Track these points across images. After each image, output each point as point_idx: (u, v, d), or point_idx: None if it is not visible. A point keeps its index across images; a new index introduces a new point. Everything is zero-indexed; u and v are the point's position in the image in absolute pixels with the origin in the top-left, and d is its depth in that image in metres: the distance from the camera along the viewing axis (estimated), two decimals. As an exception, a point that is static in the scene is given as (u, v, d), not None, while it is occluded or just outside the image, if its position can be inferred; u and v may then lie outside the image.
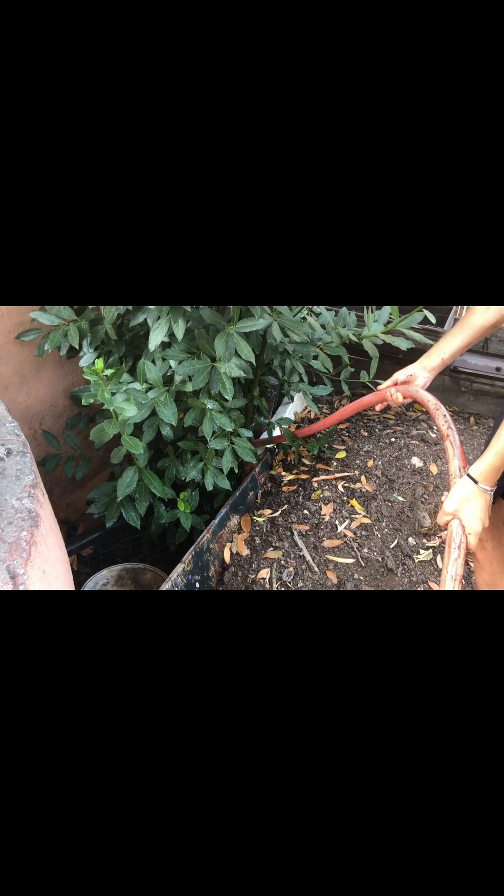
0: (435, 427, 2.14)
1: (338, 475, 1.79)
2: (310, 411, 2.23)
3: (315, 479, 1.76)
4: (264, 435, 1.84)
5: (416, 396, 1.04)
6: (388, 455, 1.93)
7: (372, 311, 1.40)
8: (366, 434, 2.08)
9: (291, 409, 2.13)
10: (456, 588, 0.73)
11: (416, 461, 1.89)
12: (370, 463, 1.87)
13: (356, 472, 1.81)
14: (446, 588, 0.73)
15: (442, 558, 1.53)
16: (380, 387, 1.18)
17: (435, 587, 1.43)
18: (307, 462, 1.87)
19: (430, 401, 0.98)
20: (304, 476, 1.79)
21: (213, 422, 1.30)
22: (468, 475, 0.78)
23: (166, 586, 1.20)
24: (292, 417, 2.13)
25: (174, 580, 1.23)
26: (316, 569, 1.44)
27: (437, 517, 0.82)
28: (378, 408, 1.20)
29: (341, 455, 1.91)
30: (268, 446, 1.84)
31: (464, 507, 0.77)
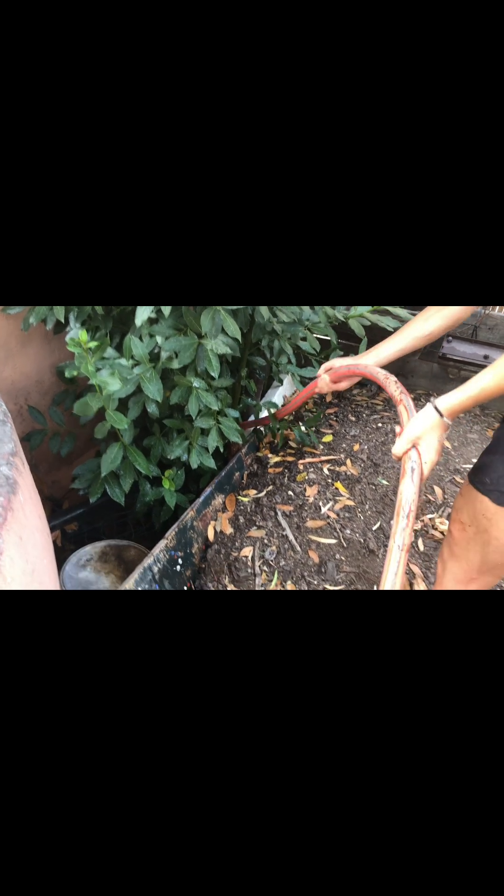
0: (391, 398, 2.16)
1: (324, 458, 1.80)
2: (296, 393, 2.24)
3: (301, 461, 1.77)
4: (251, 418, 1.84)
5: (364, 371, 1.05)
6: (374, 440, 1.94)
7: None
8: (353, 419, 2.09)
9: (280, 393, 2.13)
10: (407, 532, 0.76)
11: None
12: (356, 447, 1.88)
13: (342, 456, 1.82)
14: (398, 526, 0.76)
15: (423, 542, 1.56)
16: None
17: (415, 569, 1.45)
18: (293, 445, 1.88)
19: (379, 372, 1.00)
20: (290, 458, 1.80)
21: (199, 400, 1.30)
22: (434, 406, 0.77)
23: (148, 561, 1.21)
24: (280, 400, 2.13)
25: (156, 555, 1.24)
26: (298, 548, 1.45)
27: (396, 447, 0.81)
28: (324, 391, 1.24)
29: (328, 439, 1.92)
30: (256, 428, 1.84)
31: (425, 436, 0.77)
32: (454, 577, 0.95)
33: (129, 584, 1.14)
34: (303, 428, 1.87)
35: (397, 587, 0.75)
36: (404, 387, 0.91)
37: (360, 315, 1.39)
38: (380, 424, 2.04)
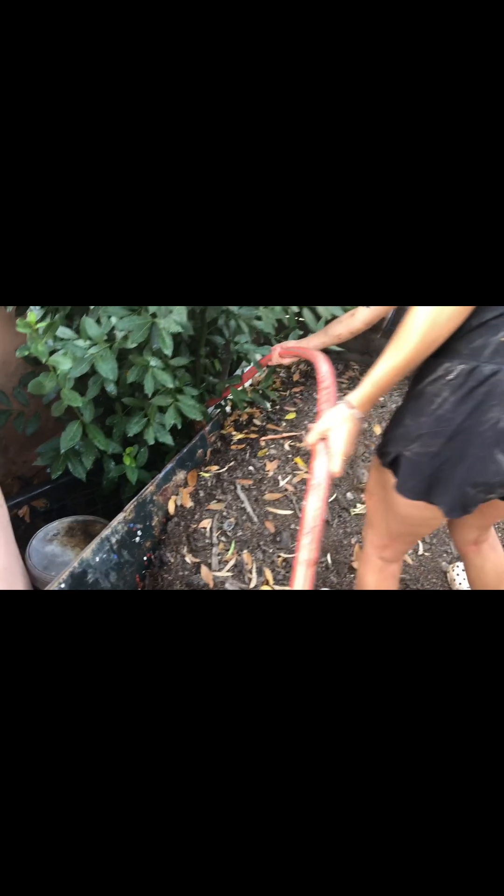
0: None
1: (286, 434, 1.87)
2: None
3: (263, 437, 1.83)
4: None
5: (305, 353, 1.19)
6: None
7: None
8: (318, 397, 2.15)
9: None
10: (310, 547, 0.78)
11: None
12: (318, 423, 1.94)
13: (303, 433, 1.89)
14: (302, 541, 0.78)
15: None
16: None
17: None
18: (258, 423, 1.94)
19: (318, 355, 1.10)
20: (253, 435, 1.86)
21: (155, 379, 1.35)
22: (345, 401, 0.81)
23: (106, 532, 1.27)
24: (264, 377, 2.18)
25: (114, 527, 1.30)
26: (255, 519, 1.52)
27: (307, 437, 0.85)
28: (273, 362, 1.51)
29: (291, 416, 1.98)
30: (220, 406, 1.90)
31: (336, 428, 0.80)
32: (371, 543, 1.01)
33: (87, 554, 1.21)
34: (260, 392, 1.94)
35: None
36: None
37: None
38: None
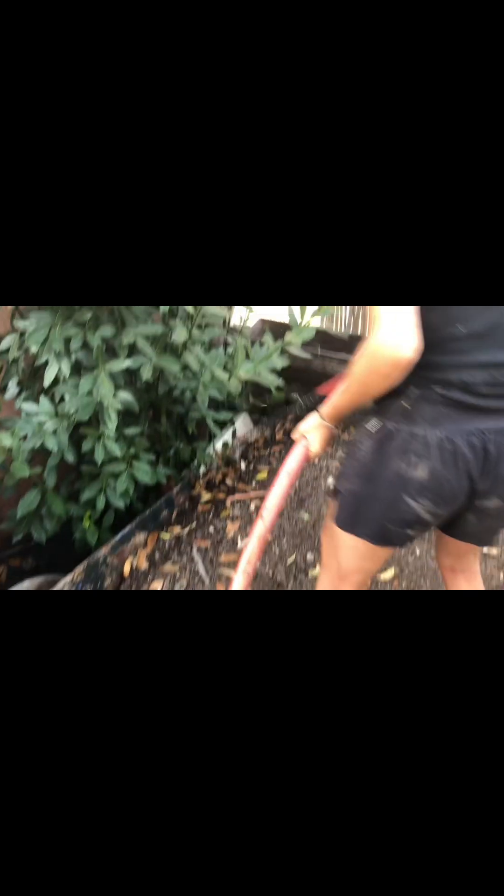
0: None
1: (253, 495, 1.92)
2: (251, 432, 2.38)
3: (230, 497, 1.90)
4: (196, 461, 1.98)
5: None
6: (307, 474, 2.04)
7: (251, 346, 1.55)
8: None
9: (229, 433, 2.27)
10: (277, 499, 0.93)
11: (332, 481, 1.99)
12: (287, 483, 1.98)
13: (271, 492, 1.93)
14: (269, 500, 0.93)
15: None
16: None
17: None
18: (229, 482, 2.01)
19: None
20: (221, 495, 1.93)
21: (105, 448, 1.47)
22: (317, 410, 0.96)
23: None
24: (230, 440, 2.27)
25: (60, 589, 1.39)
26: (207, 581, 1.57)
27: (293, 433, 1.01)
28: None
29: (262, 476, 2.04)
30: (195, 466, 1.99)
31: (311, 432, 0.96)
32: (327, 581, 1.05)
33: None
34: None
35: (246, 563, 0.93)
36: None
37: (246, 371, 1.52)
38: (317, 461, 2.14)
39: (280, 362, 1.56)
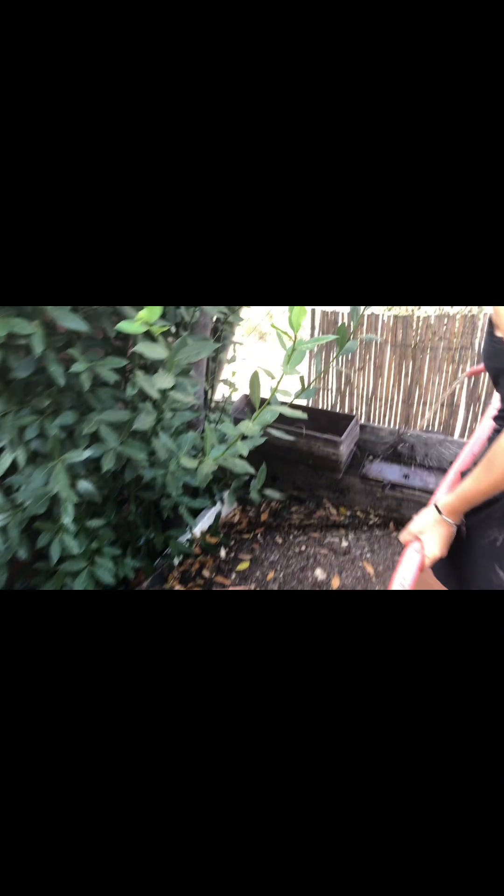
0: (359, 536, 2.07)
1: (232, 589, 1.74)
2: (235, 514, 2.23)
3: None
4: (167, 549, 1.81)
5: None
6: (292, 565, 1.87)
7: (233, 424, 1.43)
8: (279, 541, 2.04)
9: (213, 513, 2.12)
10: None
11: (319, 573, 1.82)
12: (270, 575, 1.81)
13: (252, 586, 1.76)
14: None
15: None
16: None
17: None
18: (206, 573, 1.83)
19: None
20: (197, 589, 1.74)
21: (62, 544, 1.31)
22: (435, 504, 0.82)
23: None
24: (211, 521, 2.12)
25: None
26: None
27: (401, 534, 0.87)
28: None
29: (244, 566, 1.87)
30: (165, 557, 1.82)
31: (427, 531, 0.82)
32: None
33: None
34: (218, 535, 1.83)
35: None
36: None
37: (215, 459, 1.39)
38: (304, 548, 1.98)
39: (245, 448, 1.43)
